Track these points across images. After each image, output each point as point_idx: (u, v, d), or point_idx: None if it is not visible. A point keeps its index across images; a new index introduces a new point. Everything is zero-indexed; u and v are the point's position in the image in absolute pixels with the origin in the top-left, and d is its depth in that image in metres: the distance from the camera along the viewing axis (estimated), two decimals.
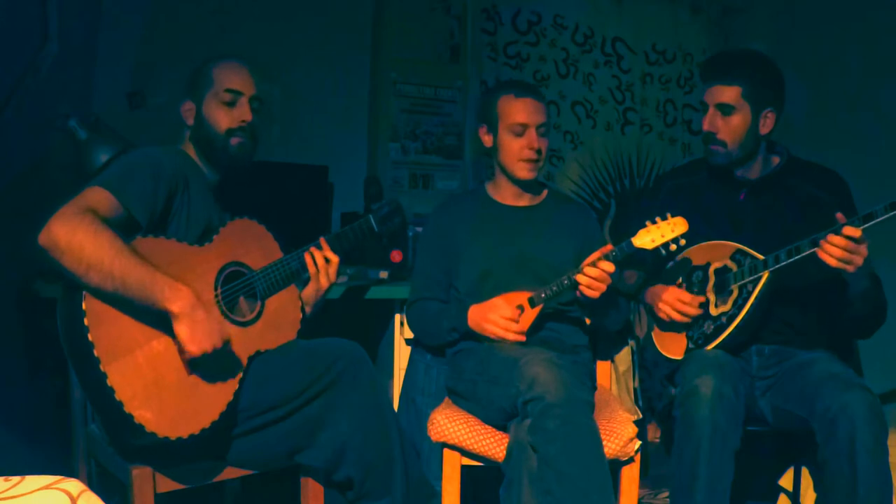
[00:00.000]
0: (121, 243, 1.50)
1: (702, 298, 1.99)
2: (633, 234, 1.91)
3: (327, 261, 1.90)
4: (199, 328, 1.53)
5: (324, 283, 1.90)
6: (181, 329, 1.53)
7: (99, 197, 1.55)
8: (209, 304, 1.64)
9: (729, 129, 1.96)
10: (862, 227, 1.73)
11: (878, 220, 1.72)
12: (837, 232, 1.73)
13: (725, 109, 1.96)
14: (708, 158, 2.04)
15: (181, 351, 1.57)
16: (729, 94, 1.95)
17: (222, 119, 1.79)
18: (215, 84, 1.79)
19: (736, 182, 2.06)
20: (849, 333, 2.08)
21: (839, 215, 1.76)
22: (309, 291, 1.91)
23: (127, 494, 1.60)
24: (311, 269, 1.88)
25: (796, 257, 1.83)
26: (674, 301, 1.99)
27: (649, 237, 1.90)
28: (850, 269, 1.74)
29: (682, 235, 1.89)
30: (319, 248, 1.90)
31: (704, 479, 1.76)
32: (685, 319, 1.98)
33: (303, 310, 1.85)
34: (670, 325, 2.03)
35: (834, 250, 1.73)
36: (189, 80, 1.83)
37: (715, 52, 3.61)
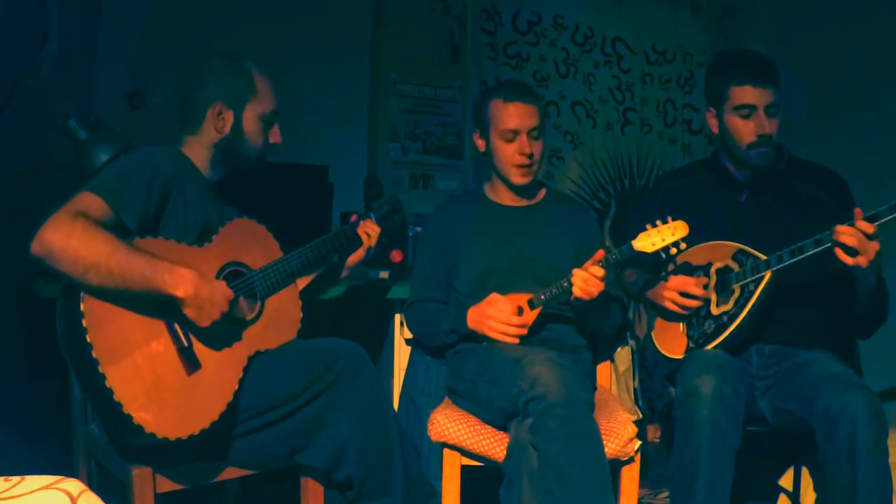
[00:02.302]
0: (115, 240, 1.50)
1: (705, 280, 1.98)
2: (633, 237, 1.91)
3: (367, 235, 1.99)
4: (205, 304, 1.56)
5: (367, 245, 1.98)
6: (190, 311, 1.56)
7: (90, 202, 1.55)
8: None
9: (775, 130, 1.95)
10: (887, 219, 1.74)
11: (884, 220, 1.73)
12: (851, 223, 1.74)
13: (774, 111, 1.94)
14: (755, 162, 1.98)
15: (181, 352, 1.57)
16: (774, 95, 1.93)
17: (260, 140, 1.80)
18: (261, 98, 1.77)
19: (738, 182, 2.06)
20: (850, 332, 2.08)
21: (858, 210, 1.76)
22: (353, 259, 2.00)
23: (127, 494, 1.60)
24: (365, 238, 1.97)
25: (799, 257, 1.83)
26: (678, 286, 1.98)
27: (649, 240, 1.90)
28: (862, 262, 1.74)
29: (683, 239, 1.89)
30: (360, 222, 1.99)
31: (704, 479, 1.76)
32: (693, 303, 1.97)
33: (303, 309, 1.85)
34: (674, 317, 2.03)
35: (846, 239, 1.74)
36: (223, 77, 1.74)
37: (717, 51, 3.62)
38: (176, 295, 1.53)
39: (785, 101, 2.01)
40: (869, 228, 1.72)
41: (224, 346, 1.65)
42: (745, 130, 1.95)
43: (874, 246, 1.74)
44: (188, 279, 1.54)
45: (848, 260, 1.75)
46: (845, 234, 1.74)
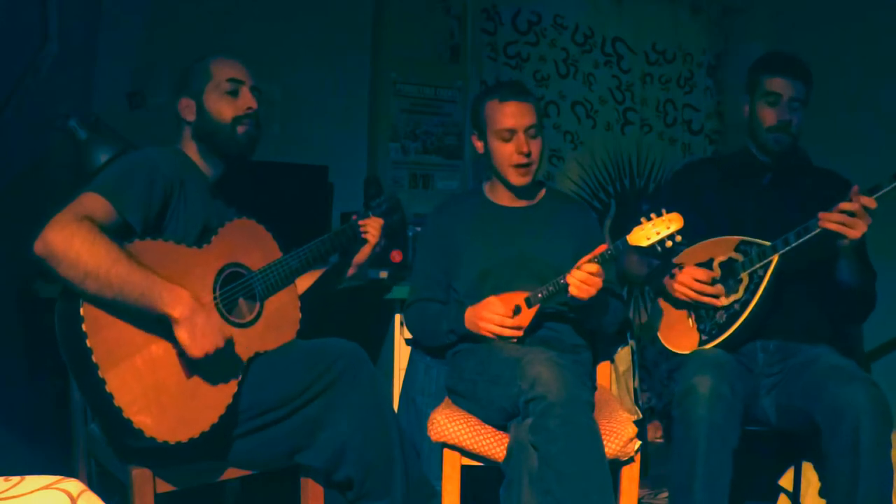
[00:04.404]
0: (118, 250, 1.49)
1: (716, 273, 2.01)
2: (629, 231, 1.91)
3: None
4: (199, 331, 1.53)
5: (374, 243, 2.02)
6: (182, 333, 1.52)
7: (94, 203, 1.54)
8: (208, 306, 1.64)
9: (797, 123, 2.06)
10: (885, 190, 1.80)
11: (885, 190, 1.79)
12: (849, 199, 1.81)
13: (797, 105, 2.05)
14: (771, 146, 2.08)
15: (181, 354, 1.57)
16: (799, 91, 2.05)
17: (227, 109, 1.78)
18: (214, 76, 1.78)
19: (760, 164, 2.12)
20: (845, 317, 2.11)
21: (855, 187, 1.83)
22: (360, 257, 2.02)
23: (127, 494, 1.60)
24: (368, 237, 2.01)
25: (805, 238, 1.87)
26: (689, 280, 2.00)
27: (644, 234, 1.89)
28: (854, 234, 1.80)
29: (679, 231, 1.88)
30: (362, 220, 2.01)
31: (702, 478, 1.76)
32: (706, 299, 1.99)
33: (303, 309, 1.85)
34: (686, 305, 2.05)
35: (838, 216, 1.81)
36: (182, 78, 1.82)
37: (717, 51, 3.64)
38: (171, 314, 1.51)
39: None
40: (871, 203, 1.79)
41: (224, 348, 1.63)
42: (768, 115, 2.07)
43: (868, 220, 1.81)
44: (185, 300, 1.53)
45: (845, 231, 1.80)
46: (846, 206, 1.81)
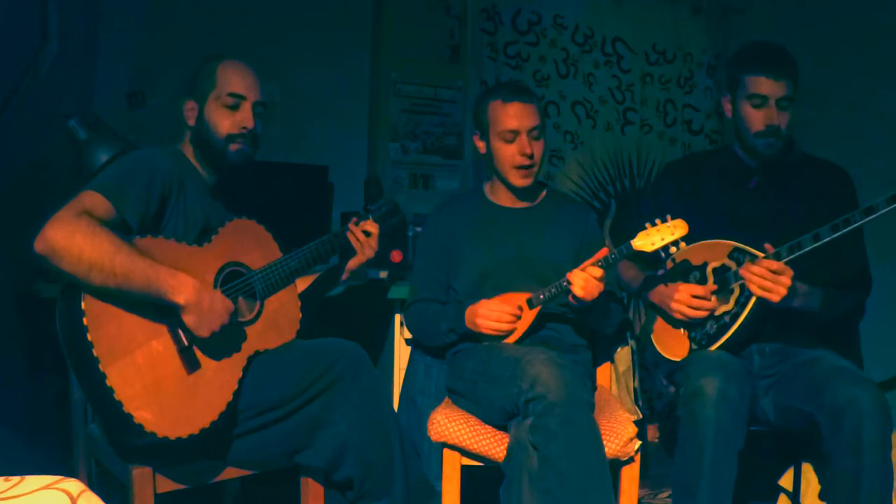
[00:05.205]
0: (119, 241, 1.51)
1: (714, 287, 1.98)
2: (633, 236, 1.91)
3: (367, 234, 1.96)
4: (206, 313, 1.56)
5: (369, 253, 1.96)
6: (190, 319, 1.56)
7: (93, 201, 1.55)
8: (209, 286, 1.65)
9: (787, 123, 1.96)
10: (863, 221, 1.75)
11: (881, 213, 1.73)
12: (757, 262, 1.81)
13: (786, 104, 1.95)
14: (761, 150, 1.99)
15: (182, 351, 1.57)
16: (787, 89, 1.93)
17: (223, 123, 1.77)
18: (218, 86, 1.77)
19: (748, 168, 2.07)
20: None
21: (767, 245, 1.83)
22: (354, 263, 1.98)
23: (127, 494, 1.60)
24: (356, 244, 1.94)
25: (798, 253, 1.83)
26: (687, 298, 1.97)
27: (649, 240, 1.89)
28: (773, 298, 1.81)
29: (682, 238, 1.88)
30: (355, 225, 1.96)
31: (708, 480, 1.76)
32: (703, 314, 1.96)
33: (303, 309, 1.85)
34: (680, 323, 2.03)
35: (753, 279, 1.82)
36: (191, 78, 1.81)
37: (717, 51, 3.63)
38: (177, 301, 1.54)
39: None
40: (772, 265, 1.80)
41: (224, 346, 1.65)
42: (755, 119, 1.97)
43: (783, 281, 1.80)
44: (190, 286, 1.55)
45: (764, 296, 1.82)
46: (751, 272, 1.82)
